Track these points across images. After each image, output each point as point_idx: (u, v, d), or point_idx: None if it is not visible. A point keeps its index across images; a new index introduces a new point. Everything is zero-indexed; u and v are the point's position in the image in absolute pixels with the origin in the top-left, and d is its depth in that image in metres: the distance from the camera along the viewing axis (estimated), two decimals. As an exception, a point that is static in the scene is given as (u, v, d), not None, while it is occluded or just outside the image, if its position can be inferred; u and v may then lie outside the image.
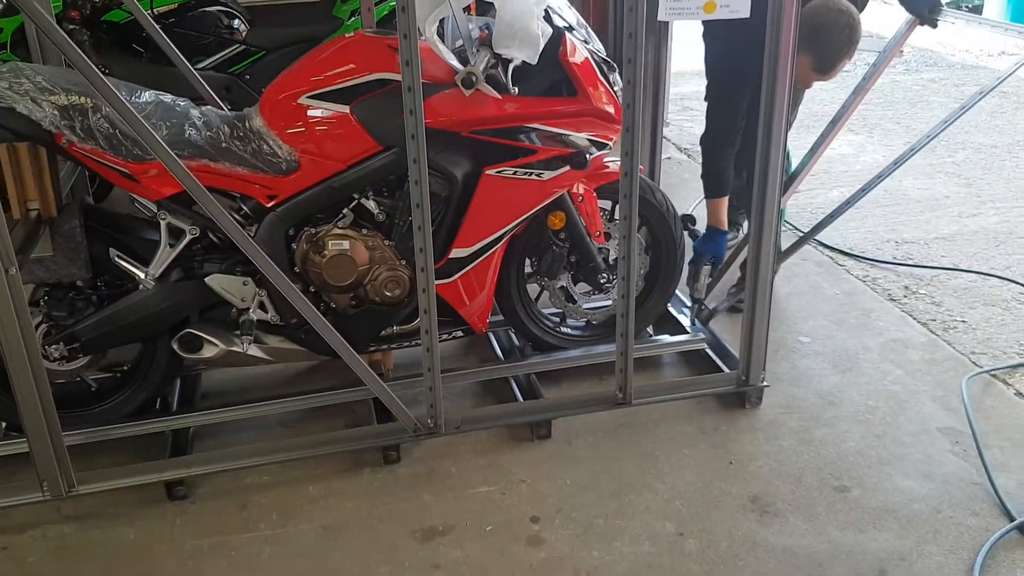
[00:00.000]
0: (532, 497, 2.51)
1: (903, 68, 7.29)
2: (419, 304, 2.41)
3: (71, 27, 3.63)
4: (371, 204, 2.59)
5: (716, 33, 3.12)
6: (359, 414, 2.82)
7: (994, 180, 4.83)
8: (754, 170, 2.61)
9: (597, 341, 3.06)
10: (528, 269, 2.95)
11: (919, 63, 7.40)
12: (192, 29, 4.08)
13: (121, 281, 2.58)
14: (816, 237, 3.64)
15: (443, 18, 2.46)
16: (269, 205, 2.51)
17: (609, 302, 3.03)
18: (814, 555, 2.30)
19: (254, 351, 2.63)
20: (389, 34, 2.48)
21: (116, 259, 2.50)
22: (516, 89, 2.54)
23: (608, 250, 2.93)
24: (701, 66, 3.18)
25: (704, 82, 3.16)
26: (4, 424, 2.65)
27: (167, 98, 2.49)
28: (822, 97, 5.70)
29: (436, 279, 2.50)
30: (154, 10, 4.00)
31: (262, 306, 2.62)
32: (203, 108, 2.53)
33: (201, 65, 4.05)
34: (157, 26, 3.04)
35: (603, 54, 2.78)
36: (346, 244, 2.55)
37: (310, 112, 2.47)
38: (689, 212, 3.17)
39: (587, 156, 2.66)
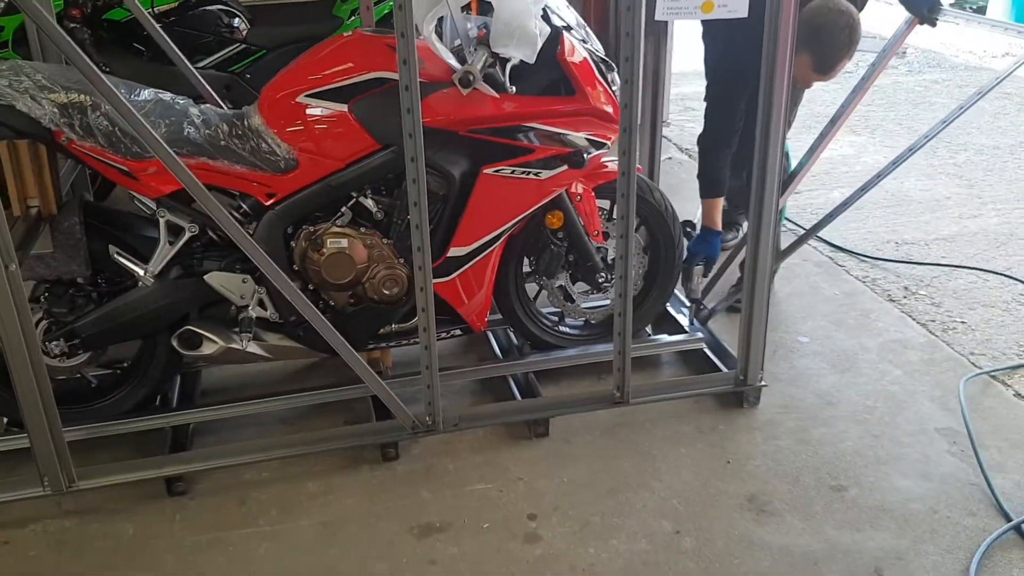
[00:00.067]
0: (529, 495, 2.52)
1: (906, 69, 7.29)
2: (417, 302, 2.42)
3: (72, 25, 3.64)
4: (369, 202, 2.60)
5: (715, 33, 3.13)
6: (358, 411, 2.83)
7: (996, 181, 4.83)
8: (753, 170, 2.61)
9: (595, 340, 3.07)
10: (527, 268, 2.95)
11: (922, 64, 7.40)
12: (192, 28, 4.09)
13: (121, 278, 2.59)
14: (817, 235, 3.64)
15: (442, 17, 2.47)
16: (268, 203, 2.52)
17: (607, 301, 3.04)
18: (810, 554, 2.30)
19: (253, 348, 2.64)
20: (387, 33, 2.48)
21: (116, 256, 2.51)
22: (514, 88, 2.54)
23: (607, 249, 2.94)
24: (702, 66, 3.19)
25: (705, 82, 3.17)
26: (5, 420, 2.66)
27: (166, 96, 2.50)
28: (825, 98, 5.71)
29: (434, 278, 2.51)
30: (155, 9, 4.02)
31: (261, 304, 2.63)
32: (202, 106, 2.54)
33: (201, 64, 4.06)
34: (157, 25, 3.05)
35: (601, 53, 2.78)
36: (344, 242, 2.56)
37: (308, 110, 2.48)
38: (691, 220, 3.18)
39: (584, 155, 2.67)
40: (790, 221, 4.18)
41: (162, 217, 2.51)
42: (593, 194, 2.85)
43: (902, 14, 2.97)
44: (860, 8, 3.07)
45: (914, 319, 3.42)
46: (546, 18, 2.57)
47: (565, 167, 2.68)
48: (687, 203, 4.04)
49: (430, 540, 2.37)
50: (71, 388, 2.69)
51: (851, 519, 2.41)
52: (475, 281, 2.74)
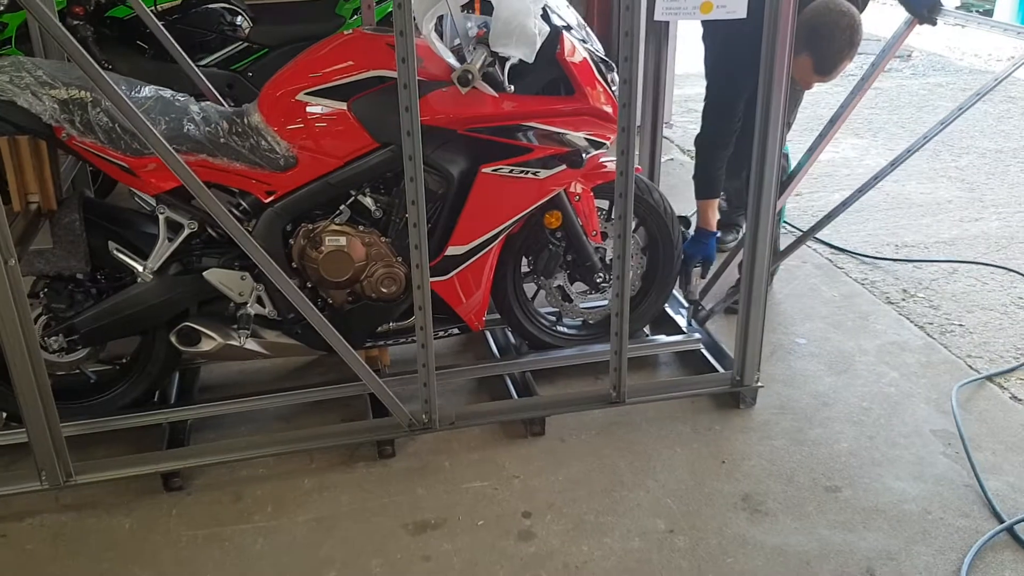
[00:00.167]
0: (524, 493, 2.53)
1: (910, 72, 7.29)
2: (414, 301, 2.43)
3: (75, 23, 3.67)
4: (368, 201, 2.61)
5: (715, 34, 3.14)
6: (355, 409, 2.85)
7: (997, 185, 4.83)
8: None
9: (593, 340, 3.07)
10: (525, 268, 2.96)
11: (926, 67, 7.40)
12: (195, 26, 4.11)
13: (120, 274, 2.61)
14: (816, 236, 3.64)
15: (443, 17, 2.48)
16: (267, 201, 2.53)
17: (606, 302, 3.05)
18: (803, 553, 2.31)
19: (251, 345, 2.65)
20: (388, 32, 2.49)
21: (115, 252, 2.53)
22: (512, 87, 2.55)
23: (605, 250, 2.94)
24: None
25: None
26: (4, 414, 2.68)
27: (167, 93, 2.51)
28: (829, 101, 5.70)
29: (432, 276, 2.52)
30: (157, 6, 4.04)
31: (260, 301, 2.65)
32: (202, 104, 2.55)
33: (204, 62, 4.09)
34: (160, 23, 3.06)
35: (601, 53, 2.79)
36: (343, 240, 2.57)
37: (308, 108, 2.49)
38: (686, 216, 3.19)
39: (583, 155, 2.68)
40: (789, 224, 4.19)
41: (161, 214, 2.52)
42: (592, 194, 2.86)
43: (901, 15, 2.97)
44: (861, 9, 3.08)
45: (912, 321, 3.43)
46: (546, 18, 2.58)
47: (564, 167, 2.69)
48: (688, 204, 4.04)
49: (424, 536, 2.38)
50: (70, 383, 2.71)
51: (844, 519, 2.42)
52: (473, 280, 2.74)
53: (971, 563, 2.25)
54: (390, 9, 2.15)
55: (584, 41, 2.77)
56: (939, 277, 3.79)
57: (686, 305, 3.23)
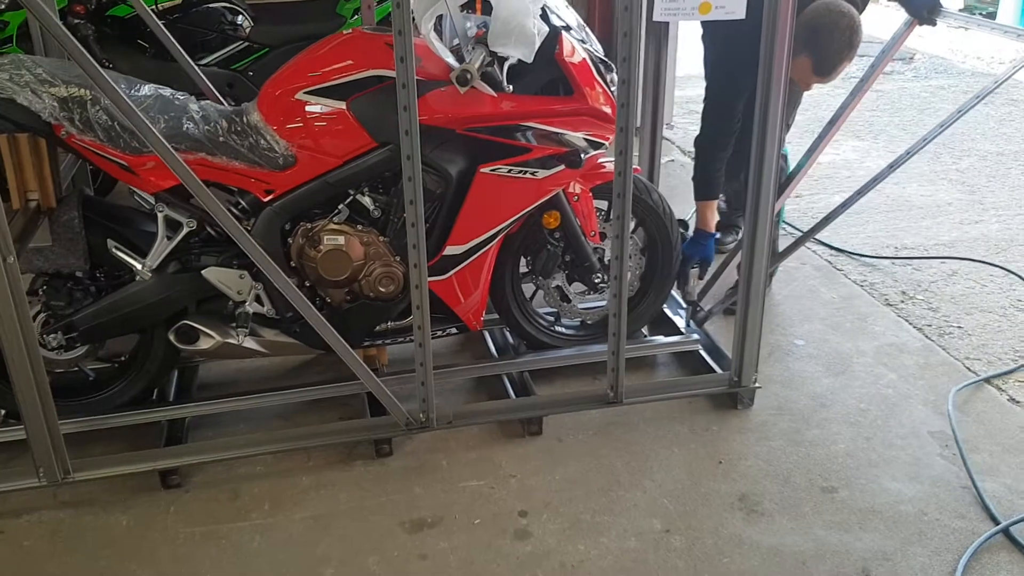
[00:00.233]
0: (521, 492, 2.53)
1: (912, 75, 7.28)
2: (412, 300, 2.44)
3: (76, 21, 3.68)
4: (366, 200, 2.61)
5: (714, 35, 3.15)
6: (353, 408, 2.85)
7: (998, 188, 4.83)
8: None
9: (591, 340, 3.07)
10: (523, 268, 2.97)
11: (928, 70, 7.39)
12: (196, 25, 4.12)
13: (119, 272, 2.61)
14: (816, 237, 3.65)
15: (443, 16, 2.49)
16: (266, 200, 2.54)
17: (604, 302, 3.05)
18: (799, 553, 2.31)
19: (250, 344, 2.66)
20: (387, 31, 2.50)
21: (114, 250, 2.54)
22: (511, 87, 2.56)
23: (604, 250, 2.95)
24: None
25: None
26: (2, 411, 2.68)
27: (166, 92, 2.52)
28: (832, 103, 5.69)
29: (430, 276, 2.53)
30: (158, 6, 4.05)
31: (258, 299, 2.65)
32: (202, 103, 2.55)
33: (204, 61, 4.10)
34: (161, 22, 3.07)
35: (601, 54, 2.80)
36: (341, 239, 2.58)
37: (307, 108, 2.50)
38: (683, 219, 3.19)
39: (581, 155, 2.68)
40: (789, 224, 4.19)
41: (160, 212, 2.53)
42: (591, 194, 2.86)
43: (901, 16, 2.98)
44: (861, 10, 3.08)
45: (911, 323, 3.43)
46: (545, 18, 2.58)
47: (562, 167, 2.69)
48: (688, 205, 4.05)
49: (421, 535, 2.38)
50: (68, 381, 2.72)
51: (841, 520, 2.42)
52: (471, 280, 2.75)
53: (967, 564, 2.25)
54: (390, 9, 2.15)
55: (583, 42, 2.77)
56: (938, 279, 3.79)
57: (684, 306, 3.24)
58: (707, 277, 3.30)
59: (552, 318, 3.10)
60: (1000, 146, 5.47)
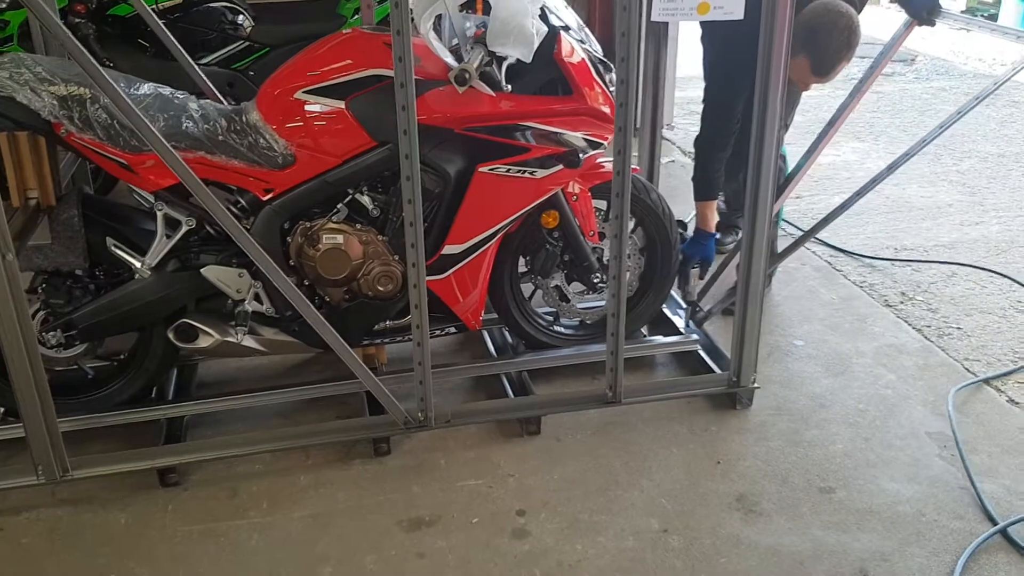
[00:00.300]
0: (519, 491, 2.53)
1: (913, 76, 7.28)
2: (410, 299, 2.44)
3: (76, 20, 3.69)
4: (365, 199, 2.62)
5: (713, 35, 3.15)
6: (352, 406, 2.85)
7: (999, 189, 4.83)
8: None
9: (590, 340, 3.07)
10: (522, 268, 2.97)
11: (930, 71, 7.39)
12: (196, 25, 4.13)
13: (118, 270, 2.62)
14: (816, 237, 3.64)
15: (441, 16, 2.49)
16: (265, 199, 2.54)
17: (603, 302, 3.05)
18: (796, 553, 2.31)
19: (249, 342, 2.66)
20: (386, 31, 2.50)
21: (113, 248, 2.54)
22: (510, 87, 2.56)
23: (603, 250, 2.95)
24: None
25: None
26: (1, 409, 2.68)
27: (166, 91, 2.52)
28: (829, 103, 5.70)
29: (429, 275, 2.53)
30: (159, 5, 4.06)
31: (257, 298, 2.66)
32: (201, 102, 2.56)
33: (205, 61, 4.10)
34: (161, 21, 3.08)
35: (600, 54, 2.80)
36: (340, 238, 2.58)
37: (306, 107, 2.50)
38: (682, 220, 3.19)
39: (580, 155, 2.68)
40: (789, 224, 4.19)
41: (160, 210, 2.53)
42: (589, 194, 2.87)
43: (901, 17, 2.98)
44: (859, 10, 3.08)
45: (910, 324, 3.43)
46: (544, 18, 2.59)
47: (561, 166, 2.69)
48: (688, 206, 4.05)
49: (419, 533, 2.39)
50: (67, 379, 2.72)
51: (838, 520, 2.42)
52: (470, 279, 2.75)
53: (965, 565, 2.25)
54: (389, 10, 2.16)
55: (582, 42, 2.77)
56: (938, 280, 3.79)
57: (684, 306, 3.24)
58: (707, 277, 3.30)
59: (551, 318, 3.10)
60: (1001, 148, 5.47)
